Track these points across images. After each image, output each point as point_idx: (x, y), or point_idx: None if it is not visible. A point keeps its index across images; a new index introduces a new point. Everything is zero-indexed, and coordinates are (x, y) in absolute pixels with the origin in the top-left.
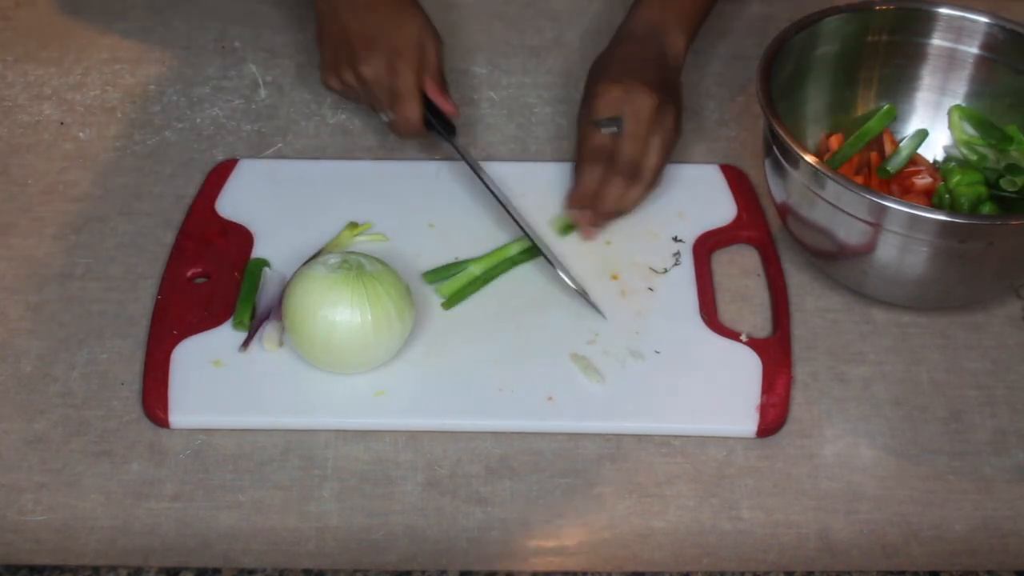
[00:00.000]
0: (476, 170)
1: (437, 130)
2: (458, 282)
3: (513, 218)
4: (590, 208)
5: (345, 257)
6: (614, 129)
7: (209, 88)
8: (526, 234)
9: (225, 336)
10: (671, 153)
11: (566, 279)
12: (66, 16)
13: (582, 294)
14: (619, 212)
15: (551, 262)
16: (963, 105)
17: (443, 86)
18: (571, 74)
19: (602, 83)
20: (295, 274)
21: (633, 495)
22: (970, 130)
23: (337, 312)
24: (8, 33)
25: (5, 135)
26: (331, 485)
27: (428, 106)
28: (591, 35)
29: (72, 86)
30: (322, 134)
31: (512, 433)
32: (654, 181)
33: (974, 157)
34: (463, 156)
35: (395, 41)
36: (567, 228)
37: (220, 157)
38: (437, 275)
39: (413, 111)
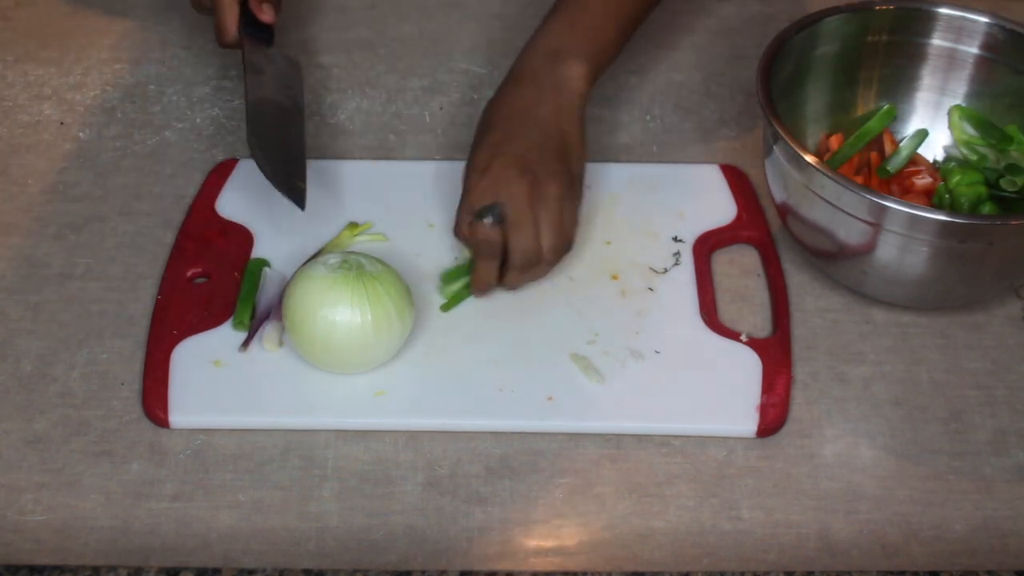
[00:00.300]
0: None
1: (254, 37)
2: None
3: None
4: (499, 290)
5: (345, 257)
6: (492, 218)
7: (209, 88)
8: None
9: (225, 336)
10: (572, 213)
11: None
12: (66, 16)
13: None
14: (532, 283)
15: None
16: (963, 105)
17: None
18: None
19: (472, 174)
20: (295, 274)
21: (633, 495)
22: (970, 130)
23: (337, 312)
24: (8, 33)
25: (5, 135)
26: (331, 485)
27: (247, 18)
28: None
29: (72, 86)
30: (322, 134)
31: (512, 433)
32: (564, 247)
33: (974, 157)
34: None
35: None
36: (455, 299)
37: (220, 157)
38: (457, 273)
39: (227, 20)
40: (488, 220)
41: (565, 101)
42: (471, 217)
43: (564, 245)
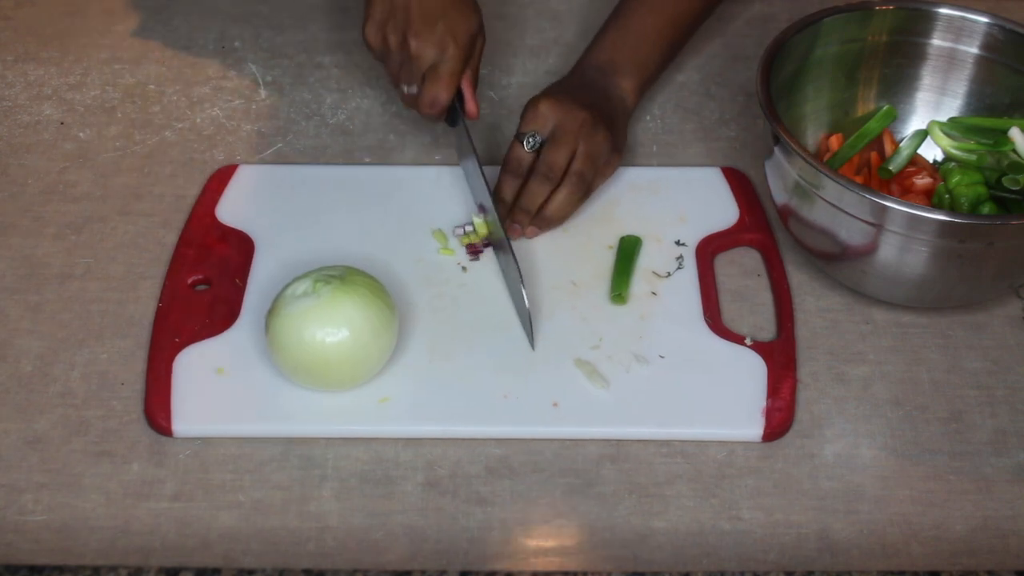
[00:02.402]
0: (475, 158)
1: (448, 119)
2: None
3: (500, 224)
4: (514, 213)
5: (318, 276)
6: (531, 143)
7: (209, 88)
8: (508, 242)
9: (227, 343)
10: (604, 169)
11: (525, 299)
12: (66, 16)
13: (527, 318)
14: (549, 218)
15: (520, 278)
16: (940, 120)
17: (475, 85)
18: None
19: (533, 97)
20: (275, 301)
21: (633, 495)
22: (956, 139)
23: (327, 334)
24: (8, 33)
25: (5, 135)
26: (331, 485)
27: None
28: (591, 35)
29: (72, 86)
30: (322, 134)
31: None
32: (582, 187)
33: (973, 157)
34: (468, 142)
35: (455, 26)
36: (619, 298)
37: (220, 157)
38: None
39: (445, 94)
40: (528, 142)
41: (615, 107)
42: (514, 140)
43: (588, 180)
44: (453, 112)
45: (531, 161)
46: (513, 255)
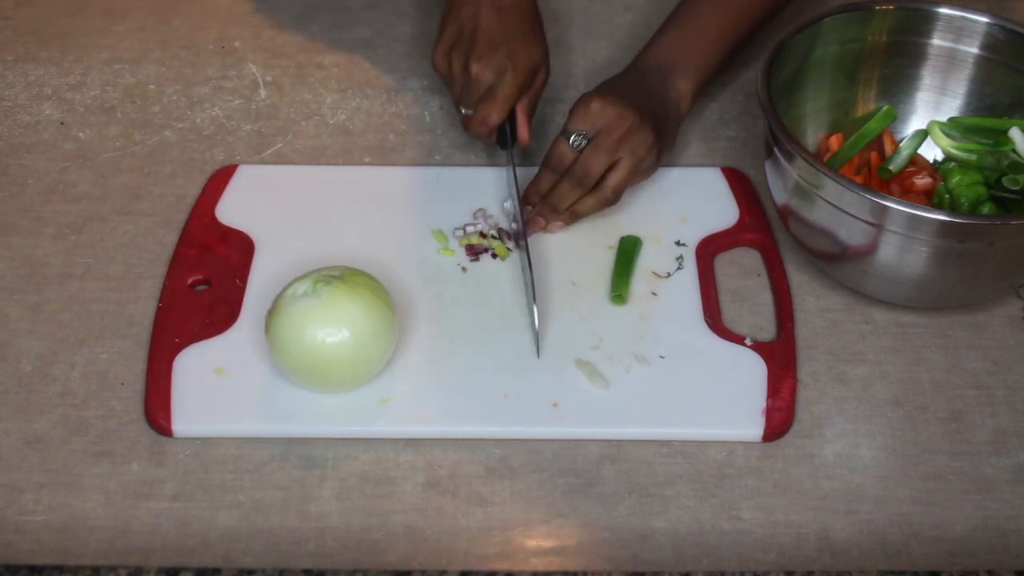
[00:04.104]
0: (514, 186)
1: (498, 140)
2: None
3: (527, 258)
4: (540, 207)
5: (318, 276)
6: (577, 142)
7: (209, 88)
8: (528, 260)
9: (228, 344)
10: (638, 178)
11: (535, 315)
12: (66, 16)
13: (534, 333)
14: (571, 216)
15: (532, 296)
16: (940, 120)
17: (531, 115)
18: (571, 74)
19: (585, 94)
20: (275, 302)
21: (633, 495)
22: (950, 139)
23: (328, 334)
24: (8, 33)
25: (5, 135)
26: (331, 485)
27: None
28: (591, 35)
29: (72, 86)
30: (322, 134)
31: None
32: (611, 197)
33: (973, 157)
34: (511, 170)
35: (516, 54)
36: (619, 298)
37: (220, 157)
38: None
39: (497, 114)
40: (573, 140)
41: (668, 109)
42: (559, 135)
43: (619, 190)
44: (503, 135)
45: (573, 160)
46: (530, 264)
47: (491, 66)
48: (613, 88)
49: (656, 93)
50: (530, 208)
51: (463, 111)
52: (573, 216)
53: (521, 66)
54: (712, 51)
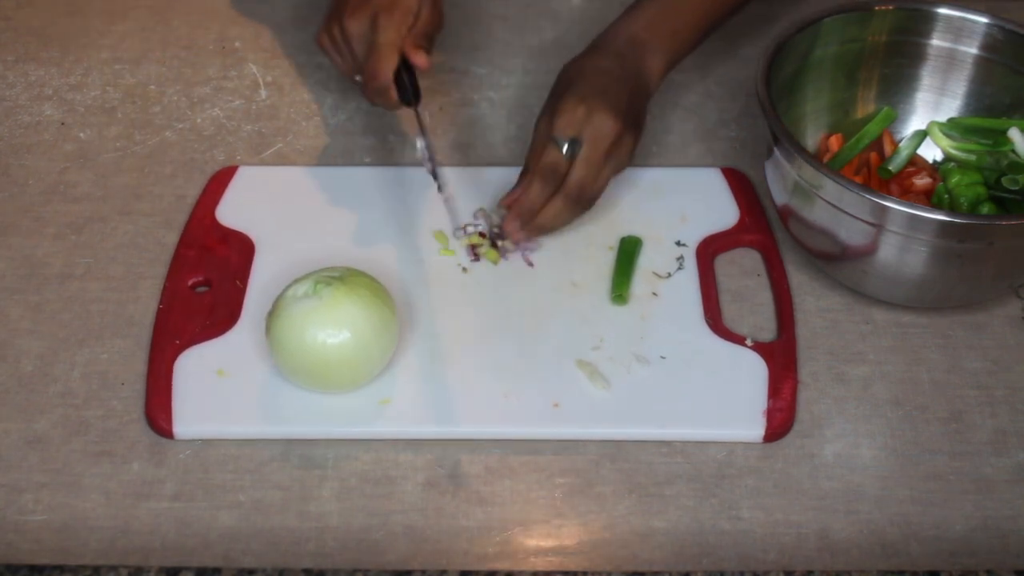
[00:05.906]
0: (427, 145)
1: (404, 96)
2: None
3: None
4: (527, 220)
5: (315, 280)
6: (569, 149)
7: (209, 88)
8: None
9: (228, 345)
10: (616, 171)
11: (445, 189)
12: (66, 16)
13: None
14: (551, 229)
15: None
16: (940, 120)
17: (423, 46)
18: None
19: (567, 98)
20: (275, 303)
21: (633, 495)
22: (950, 140)
23: (328, 336)
24: (8, 33)
25: (5, 135)
26: (331, 485)
27: (405, 70)
28: (591, 35)
29: (72, 86)
30: (322, 135)
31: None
32: (587, 206)
33: (973, 157)
34: (420, 127)
35: (389, 1)
36: (620, 298)
37: (220, 157)
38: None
39: (384, 66)
40: (565, 149)
41: (640, 91)
42: (548, 141)
43: (592, 203)
44: (405, 92)
45: (568, 167)
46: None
47: (362, 17)
48: (595, 88)
49: (632, 79)
50: (506, 213)
51: (357, 79)
52: (544, 232)
53: (395, 9)
54: (688, 31)
